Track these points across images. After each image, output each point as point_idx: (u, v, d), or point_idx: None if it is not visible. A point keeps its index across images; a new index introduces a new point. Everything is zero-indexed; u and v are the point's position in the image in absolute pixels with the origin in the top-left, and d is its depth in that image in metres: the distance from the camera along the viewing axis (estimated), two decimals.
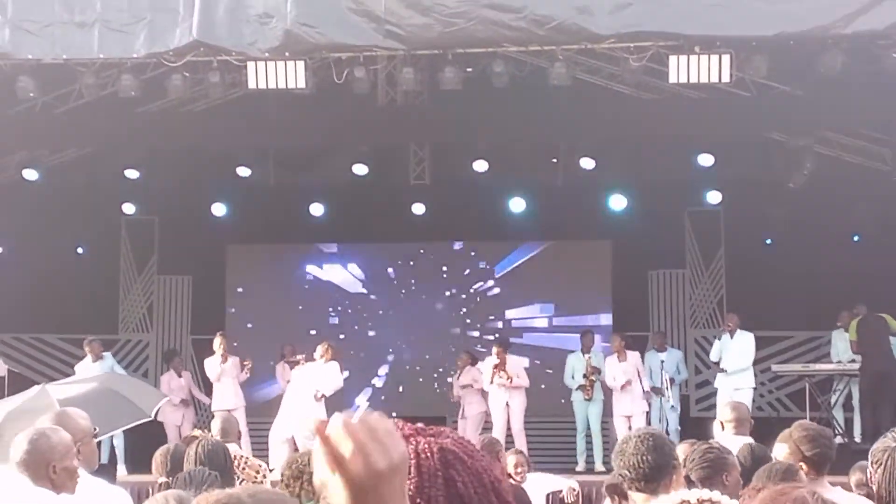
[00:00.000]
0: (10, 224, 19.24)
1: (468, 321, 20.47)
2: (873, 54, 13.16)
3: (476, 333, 20.32)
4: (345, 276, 20.74)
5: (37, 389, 8.88)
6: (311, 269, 20.81)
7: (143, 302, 20.96)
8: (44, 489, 4.89)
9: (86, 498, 5.02)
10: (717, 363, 16.29)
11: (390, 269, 20.73)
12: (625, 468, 4.74)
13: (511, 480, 9.36)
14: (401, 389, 20.22)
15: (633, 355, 16.67)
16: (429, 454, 1.97)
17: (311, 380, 15.38)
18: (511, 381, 16.33)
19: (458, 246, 20.69)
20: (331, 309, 20.61)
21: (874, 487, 4.97)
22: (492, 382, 16.49)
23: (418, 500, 1.93)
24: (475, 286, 20.56)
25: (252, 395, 17.57)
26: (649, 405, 16.52)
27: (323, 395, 15.37)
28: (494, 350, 16.71)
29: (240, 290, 20.67)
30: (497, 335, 19.15)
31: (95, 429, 5.68)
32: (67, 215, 19.58)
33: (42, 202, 18.92)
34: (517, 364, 16.91)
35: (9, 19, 12.86)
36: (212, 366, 16.32)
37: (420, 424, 2.09)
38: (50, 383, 9.44)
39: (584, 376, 16.81)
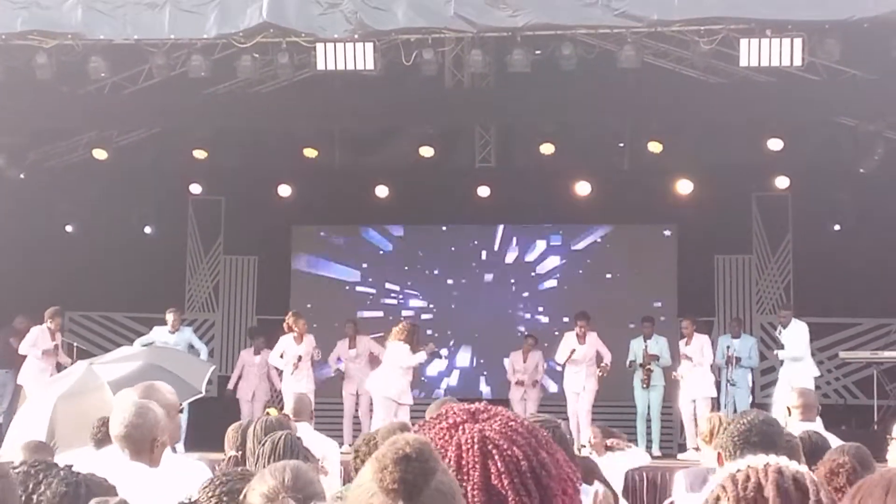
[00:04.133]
0: (79, 203, 19.51)
1: (529, 304, 20.44)
2: None
3: (529, 315, 20.32)
4: (408, 257, 20.77)
5: (82, 369, 8.81)
6: (375, 250, 20.83)
7: (210, 281, 21.12)
8: (139, 463, 4.92)
9: (173, 471, 5.04)
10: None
11: (454, 251, 20.72)
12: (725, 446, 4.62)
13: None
14: (459, 372, 20.27)
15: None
16: (469, 446, 1.96)
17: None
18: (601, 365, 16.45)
19: (522, 229, 20.63)
20: (392, 288, 20.65)
21: None
22: (566, 361, 16.56)
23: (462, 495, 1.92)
24: (538, 269, 20.51)
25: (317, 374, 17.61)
26: (717, 389, 16.45)
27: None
28: (578, 324, 16.71)
29: (304, 270, 20.75)
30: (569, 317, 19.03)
31: (182, 404, 5.69)
32: (135, 195, 19.75)
33: (111, 182, 19.13)
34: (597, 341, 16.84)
35: (81, 0, 12.98)
36: (288, 351, 16.26)
37: (477, 405, 2.06)
38: (94, 361, 9.25)
39: (641, 365, 16.76)
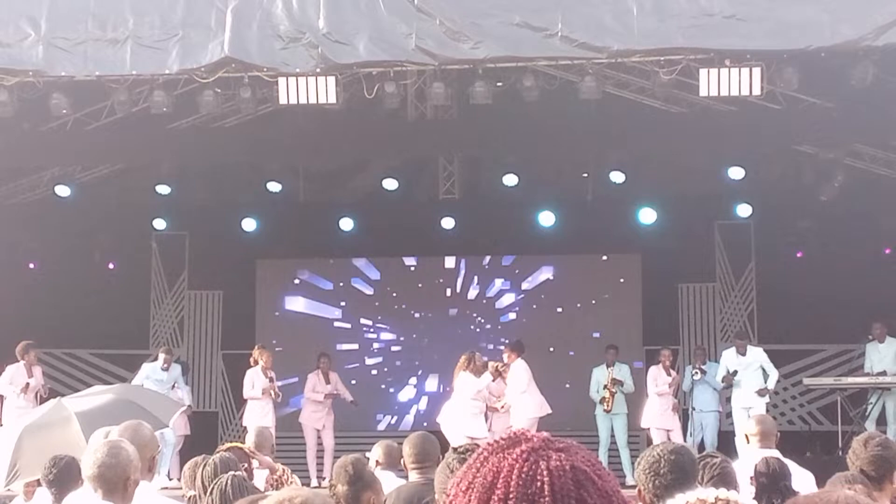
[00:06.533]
0: (42, 240, 19.41)
1: (494, 335, 20.42)
2: None
3: (493, 346, 20.27)
4: (373, 289, 20.75)
5: (53, 402, 8.93)
6: (342, 284, 20.80)
7: (174, 317, 21.03)
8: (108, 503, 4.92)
9: None
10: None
11: (419, 284, 20.72)
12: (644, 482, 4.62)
13: None
14: (428, 398, 20.20)
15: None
16: (562, 472, 1.88)
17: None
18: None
19: (486, 260, 20.66)
20: (362, 322, 20.63)
21: None
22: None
23: None
24: (503, 300, 20.53)
25: (281, 409, 17.57)
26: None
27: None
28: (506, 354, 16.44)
29: (269, 304, 20.71)
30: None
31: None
32: (99, 231, 19.69)
33: (74, 218, 19.03)
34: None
35: (42, 36, 12.94)
36: (255, 383, 16.33)
37: (545, 434, 1.98)
38: (66, 396, 9.44)
39: (605, 387, 16.78)
